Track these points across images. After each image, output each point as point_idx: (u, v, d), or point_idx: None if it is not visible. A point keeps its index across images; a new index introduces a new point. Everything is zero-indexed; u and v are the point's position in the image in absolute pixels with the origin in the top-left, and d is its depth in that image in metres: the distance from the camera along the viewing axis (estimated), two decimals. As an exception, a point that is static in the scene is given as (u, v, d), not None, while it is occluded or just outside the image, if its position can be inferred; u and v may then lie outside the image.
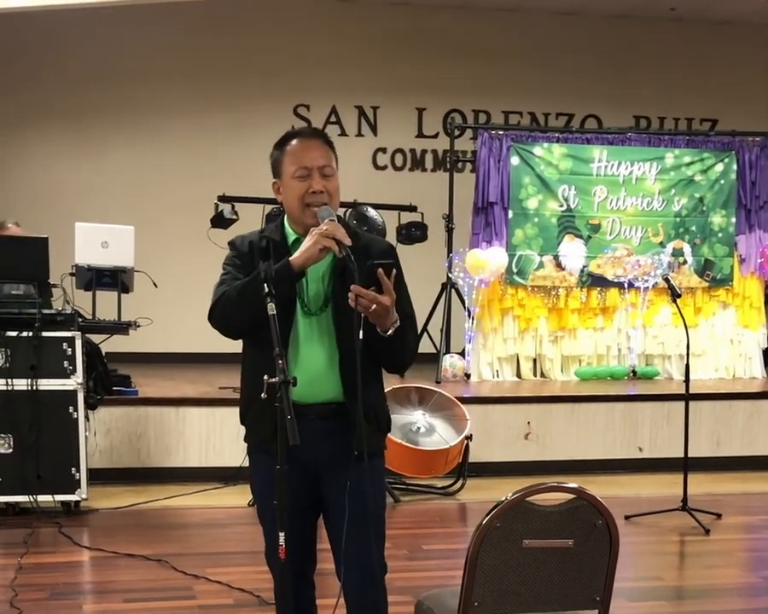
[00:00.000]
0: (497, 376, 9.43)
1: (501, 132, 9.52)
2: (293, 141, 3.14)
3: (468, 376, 9.18)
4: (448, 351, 9.41)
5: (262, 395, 2.79)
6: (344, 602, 3.19)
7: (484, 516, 2.71)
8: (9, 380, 6.37)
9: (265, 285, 2.90)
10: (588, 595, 2.84)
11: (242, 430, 3.30)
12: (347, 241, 2.95)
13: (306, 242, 2.98)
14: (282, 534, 2.79)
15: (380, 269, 2.89)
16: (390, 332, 2.97)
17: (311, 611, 3.29)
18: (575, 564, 2.80)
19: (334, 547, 3.15)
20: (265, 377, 2.77)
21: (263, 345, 2.89)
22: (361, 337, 2.91)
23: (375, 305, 2.89)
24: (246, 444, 3.30)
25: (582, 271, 9.54)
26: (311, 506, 3.18)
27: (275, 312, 2.85)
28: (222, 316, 3.09)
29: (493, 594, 2.76)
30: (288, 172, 3.10)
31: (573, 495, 2.78)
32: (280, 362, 2.75)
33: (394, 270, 2.94)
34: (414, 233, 9.63)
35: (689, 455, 6.59)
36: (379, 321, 2.94)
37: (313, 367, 3.06)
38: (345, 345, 3.03)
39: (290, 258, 2.99)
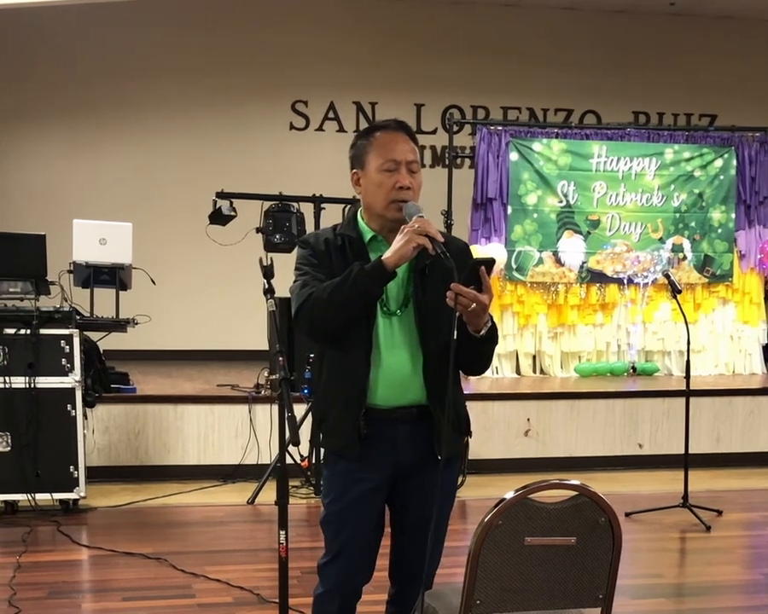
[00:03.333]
0: (497, 373, 9.40)
1: (500, 128, 9.50)
2: (380, 133, 3.03)
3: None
4: (447, 348, 9.38)
5: (263, 393, 2.76)
6: (388, 597, 3.19)
7: (486, 514, 2.68)
8: (7, 378, 6.35)
9: (264, 281, 2.87)
10: (591, 593, 2.82)
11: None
12: (440, 238, 2.85)
13: (398, 241, 2.85)
14: (282, 532, 2.77)
15: (482, 268, 2.79)
16: (483, 332, 2.88)
17: None
18: (578, 561, 2.77)
19: (398, 545, 3.11)
20: (266, 373, 2.75)
21: (346, 347, 2.86)
22: (455, 337, 2.79)
23: (474, 304, 2.79)
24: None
25: (581, 267, 9.53)
26: (383, 512, 3.10)
27: (274, 309, 2.82)
28: (311, 319, 2.91)
29: (495, 592, 2.74)
30: (373, 164, 2.98)
31: (576, 493, 2.76)
32: (281, 359, 2.72)
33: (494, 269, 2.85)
34: (413, 229, 9.61)
35: (690, 452, 6.57)
36: (475, 320, 2.84)
37: (396, 369, 2.95)
38: (429, 347, 2.94)
39: (383, 258, 2.85)
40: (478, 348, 2.92)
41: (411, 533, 3.05)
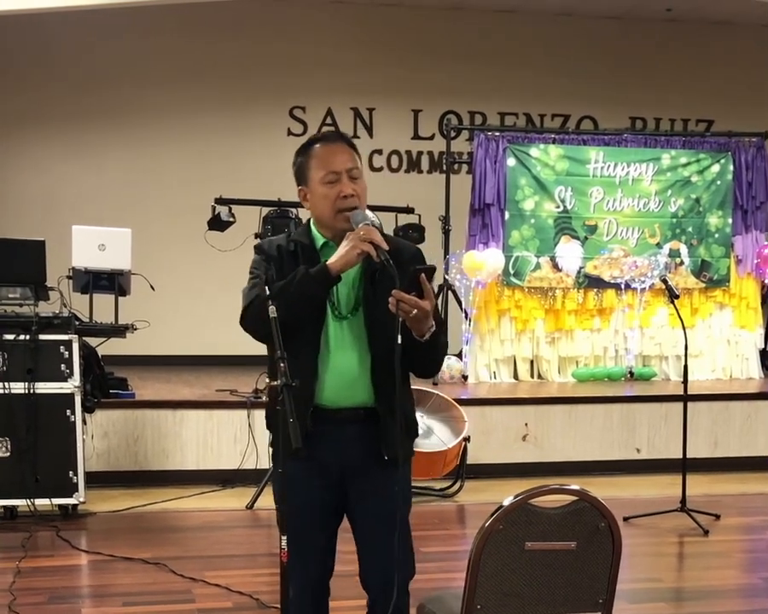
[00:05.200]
0: (495, 378, 9.42)
1: (497, 133, 9.51)
2: (317, 146, 3.10)
3: (465, 378, 9.18)
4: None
5: (263, 397, 2.77)
6: (366, 604, 3.18)
7: (486, 519, 2.70)
8: (6, 384, 6.37)
9: (266, 288, 2.89)
10: (591, 598, 2.84)
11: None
12: (385, 245, 2.91)
13: (343, 247, 2.94)
14: (284, 537, 2.77)
15: (422, 275, 2.87)
16: (426, 336, 2.94)
17: None
18: (578, 566, 2.79)
19: (361, 552, 3.13)
20: (266, 380, 2.75)
21: (293, 351, 2.87)
22: (399, 342, 2.87)
23: (415, 310, 2.85)
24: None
25: (579, 272, 9.54)
26: (335, 513, 3.14)
27: (276, 315, 2.83)
28: (255, 321, 2.99)
29: (496, 597, 2.75)
30: (315, 178, 3.06)
31: (576, 498, 2.77)
32: (282, 365, 2.74)
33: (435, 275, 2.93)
34: (411, 235, 9.60)
35: (687, 456, 6.59)
36: (417, 326, 2.91)
37: (344, 371, 3.02)
38: (377, 350, 3.01)
39: (327, 263, 2.94)
40: (423, 352, 3.00)
41: (370, 536, 3.07)
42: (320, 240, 3.10)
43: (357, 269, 3.03)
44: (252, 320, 3.00)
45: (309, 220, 3.19)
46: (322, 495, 3.04)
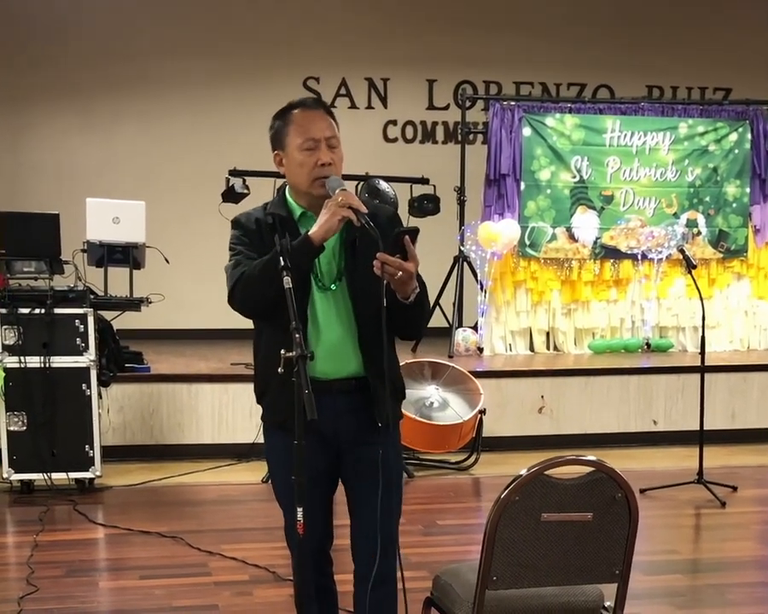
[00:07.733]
0: (510, 350, 9.39)
1: (513, 103, 9.43)
2: (296, 112, 3.09)
3: (480, 350, 9.15)
4: (461, 325, 9.37)
5: (279, 369, 2.74)
6: (354, 570, 3.19)
7: (502, 490, 2.69)
8: (22, 358, 6.38)
9: (281, 258, 2.85)
10: (607, 568, 2.83)
11: (255, 406, 3.25)
12: (363, 209, 2.91)
13: (323, 215, 2.93)
14: (300, 509, 2.76)
15: (406, 237, 2.87)
16: (411, 298, 2.96)
17: (330, 587, 3.28)
18: (594, 537, 2.78)
19: (354, 517, 3.15)
20: (282, 351, 2.72)
21: (281, 323, 2.85)
22: (385, 304, 2.89)
23: (400, 272, 2.86)
24: (260, 422, 3.26)
25: (595, 243, 9.48)
26: (330, 481, 3.16)
27: (291, 286, 2.81)
28: (243, 298, 3.01)
29: (512, 568, 2.74)
30: (293, 144, 3.06)
31: (592, 468, 2.76)
32: (297, 336, 2.71)
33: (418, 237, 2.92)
34: (426, 205, 9.56)
35: (705, 428, 6.55)
36: (402, 288, 2.92)
37: (332, 342, 3.03)
38: (362, 318, 3.01)
39: (309, 233, 2.93)
40: (407, 314, 3.00)
41: (364, 502, 3.07)
42: (297, 210, 3.11)
43: (336, 239, 3.04)
44: (239, 299, 3.01)
45: (283, 190, 3.17)
46: (317, 463, 3.03)
